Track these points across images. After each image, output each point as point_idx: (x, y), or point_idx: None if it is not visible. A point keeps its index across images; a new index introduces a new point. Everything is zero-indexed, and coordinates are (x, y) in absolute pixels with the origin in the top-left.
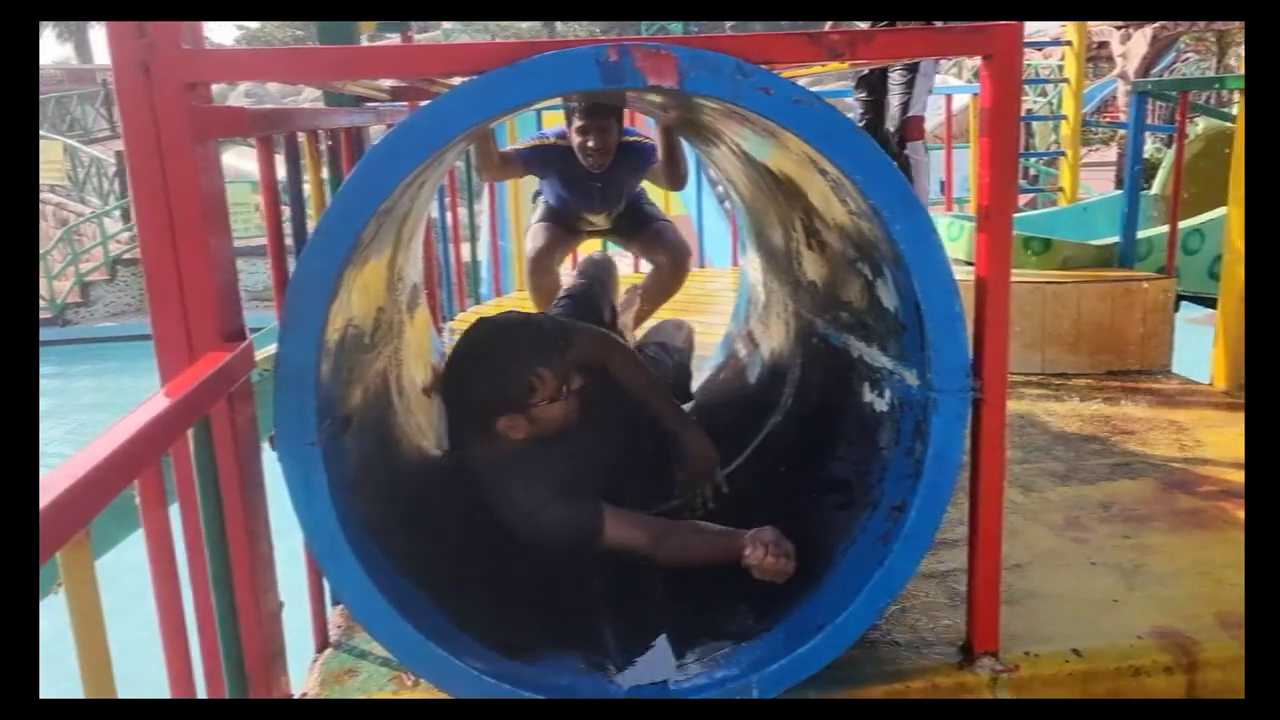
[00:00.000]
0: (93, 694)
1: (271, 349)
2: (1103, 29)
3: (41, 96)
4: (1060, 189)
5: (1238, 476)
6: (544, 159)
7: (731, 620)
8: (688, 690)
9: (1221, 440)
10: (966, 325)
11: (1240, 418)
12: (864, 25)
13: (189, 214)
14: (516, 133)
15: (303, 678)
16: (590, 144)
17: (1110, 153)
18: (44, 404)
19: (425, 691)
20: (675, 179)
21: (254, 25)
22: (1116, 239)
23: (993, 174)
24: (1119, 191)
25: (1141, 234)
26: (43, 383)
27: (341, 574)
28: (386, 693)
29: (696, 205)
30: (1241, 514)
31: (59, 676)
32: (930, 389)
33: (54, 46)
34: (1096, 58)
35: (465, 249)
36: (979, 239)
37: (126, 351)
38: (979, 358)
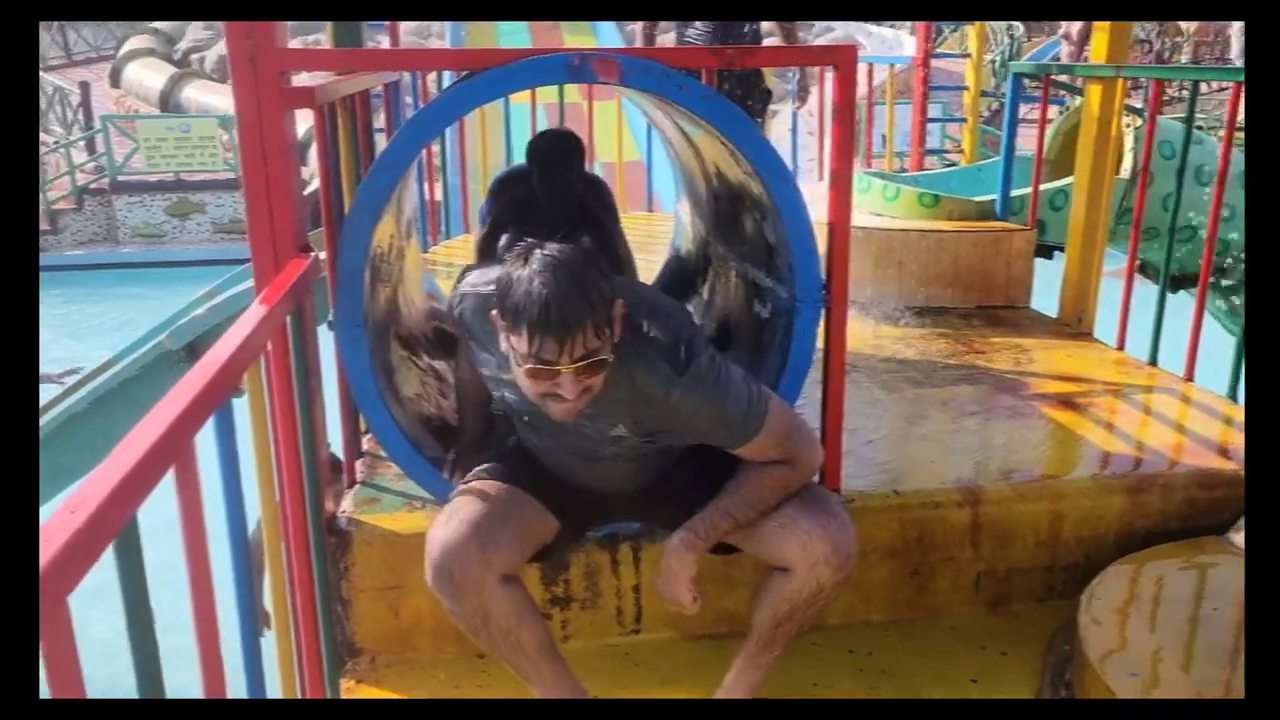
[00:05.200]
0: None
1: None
2: None
3: None
4: (961, 150)
5: (1054, 385)
6: None
7: None
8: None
9: (1050, 358)
10: (820, 255)
11: (1071, 344)
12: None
13: (279, 161)
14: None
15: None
16: None
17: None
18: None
19: (428, 514)
20: None
21: None
22: (994, 196)
23: (838, 151)
24: None
25: (1018, 191)
26: None
27: (379, 420)
28: (401, 513)
29: (648, 150)
30: (1045, 409)
31: None
32: (795, 299)
33: None
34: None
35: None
36: (830, 194)
37: (95, 279)
38: (830, 278)
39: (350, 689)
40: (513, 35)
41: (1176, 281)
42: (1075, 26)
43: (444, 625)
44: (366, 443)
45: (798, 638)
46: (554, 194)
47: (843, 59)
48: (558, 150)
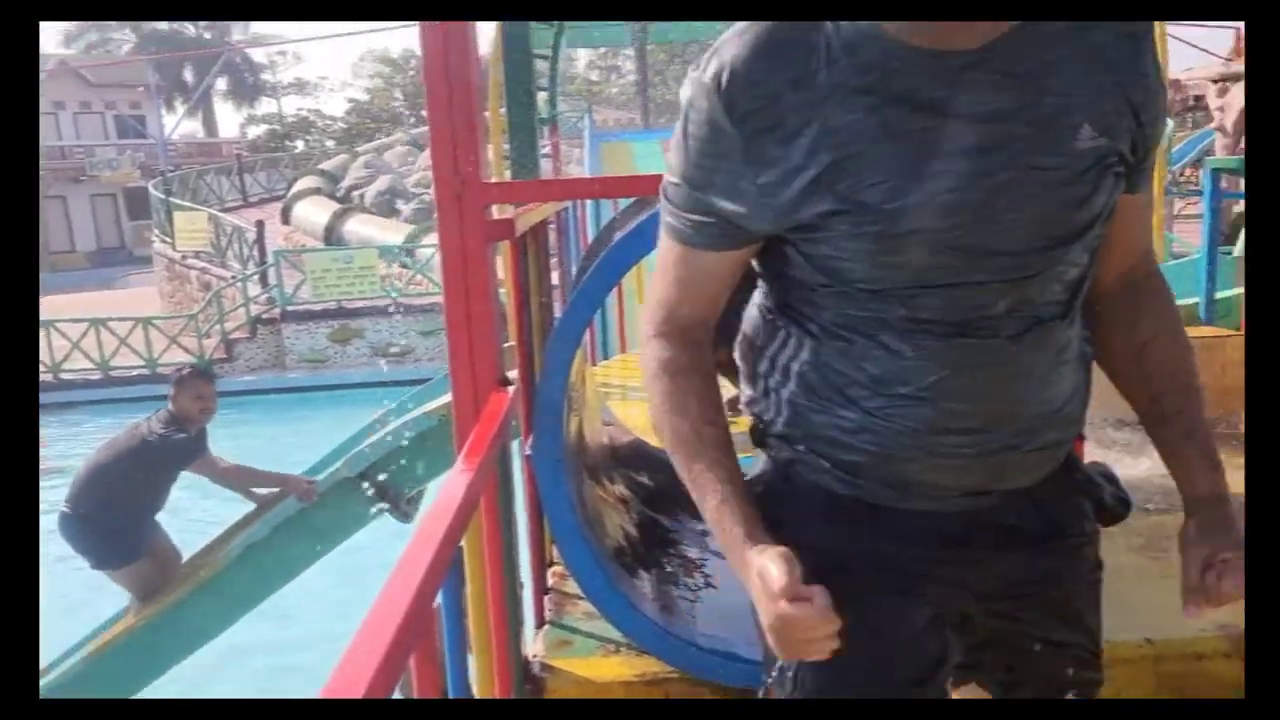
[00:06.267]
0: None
1: (441, 400)
2: (1198, 81)
3: (180, 171)
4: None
5: None
6: None
7: None
8: None
9: None
10: None
11: None
12: None
13: (480, 293)
14: None
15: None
16: None
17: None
18: None
19: (624, 658)
20: None
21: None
22: (1197, 299)
23: None
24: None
25: (1221, 294)
26: None
27: (574, 553)
28: (595, 657)
29: None
30: None
31: None
32: None
33: (184, 121)
34: (1195, 108)
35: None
36: None
37: (266, 403)
38: None
39: None
40: (649, 159)
41: None
42: (1230, 118)
43: None
44: (551, 577)
45: None
46: None
47: None
48: None
